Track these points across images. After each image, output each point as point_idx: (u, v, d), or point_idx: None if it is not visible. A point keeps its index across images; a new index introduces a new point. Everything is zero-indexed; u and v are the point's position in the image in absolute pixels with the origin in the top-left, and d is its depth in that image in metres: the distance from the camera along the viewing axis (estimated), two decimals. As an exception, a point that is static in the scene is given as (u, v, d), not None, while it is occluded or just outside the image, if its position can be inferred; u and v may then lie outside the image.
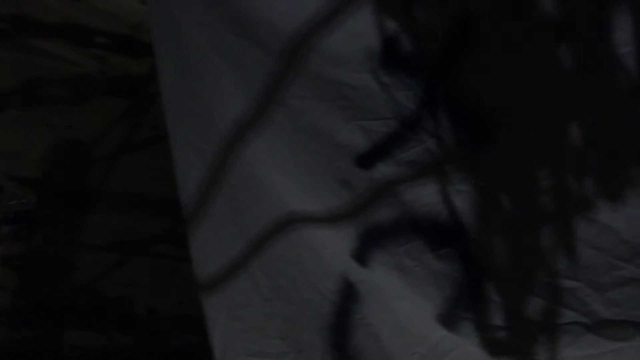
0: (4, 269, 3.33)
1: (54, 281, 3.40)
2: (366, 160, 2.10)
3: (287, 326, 2.15)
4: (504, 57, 1.96)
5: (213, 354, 2.22)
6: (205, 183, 2.30)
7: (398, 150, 2.07)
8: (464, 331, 2.00)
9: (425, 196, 2.04)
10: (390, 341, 2.05)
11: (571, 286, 1.91)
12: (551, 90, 1.92)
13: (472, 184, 2.00)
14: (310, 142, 2.16)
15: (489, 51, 1.97)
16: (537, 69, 1.93)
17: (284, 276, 2.16)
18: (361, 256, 2.10)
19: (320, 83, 2.14)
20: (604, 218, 1.87)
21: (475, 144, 2.00)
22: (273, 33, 2.17)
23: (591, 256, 1.89)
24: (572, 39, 1.89)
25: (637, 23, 1.84)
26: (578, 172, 1.91)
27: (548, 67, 1.92)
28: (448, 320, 2.02)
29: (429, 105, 2.04)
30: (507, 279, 1.97)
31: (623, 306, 1.89)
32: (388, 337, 2.05)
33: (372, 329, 2.06)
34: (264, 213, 2.20)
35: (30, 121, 3.26)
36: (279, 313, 2.16)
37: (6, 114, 3.20)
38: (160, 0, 2.39)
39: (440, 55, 2.04)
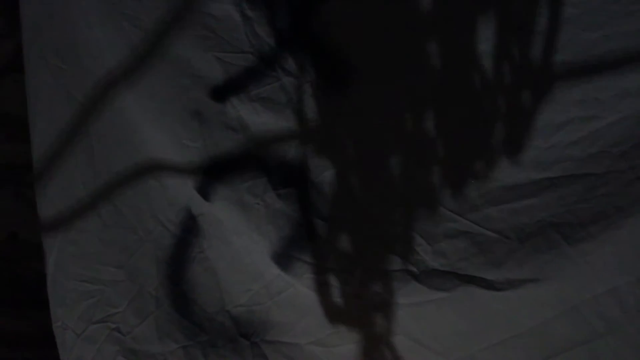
0: None
1: None
2: (220, 93, 2.06)
3: (124, 255, 2.11)
4: (373, 9, 1.94)
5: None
6: (56, 104, 2.21)
7: (253, 85, 2.04)
8: (296, 271, 2.02)
9: (274, 135, 2.02)
10: (225, 276, 2.04)
11: (404, 235, 1.93)
12: (409, 45, 1.92)
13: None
14: (167, 70, 2.09)
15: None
16: (396, 21, 1.93)
17: (127, 204, 2.11)
18: (205, 189, 2.06)
19: (183, 10, 2.07)
20: (444, 170, 1.90)
21: (331, 87, 1.99)
22: None
23: (427, 206, 1.91)
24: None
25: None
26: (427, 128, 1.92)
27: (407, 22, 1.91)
28: (282, 259, 2.02)
29: (290, 42, 2.01)
30: (343, 223, 1.98)
31: (450, 258, 1.94)
32: (224, 272, 2.05)
33: (209, 263, 2.05)
34: (113, 140, 2.12)
35: None
36: (117, 240, 2.11)
37: None
38: None
39: (306, -7, 2.01)
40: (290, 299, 2.02)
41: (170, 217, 2.07)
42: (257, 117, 2.03)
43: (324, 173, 1.99)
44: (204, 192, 2.07)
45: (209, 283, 2.05)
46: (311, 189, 2.00)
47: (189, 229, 2.06)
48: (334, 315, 2.01)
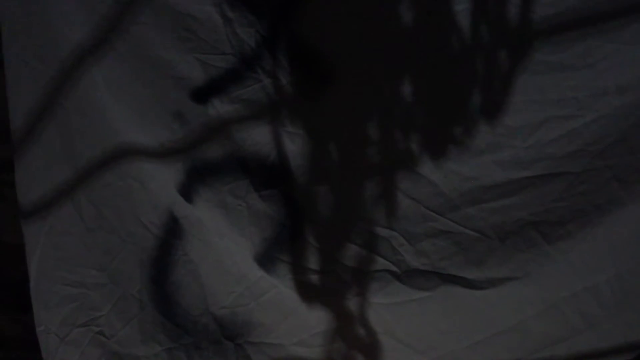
0: None
1: None
2: (201, 94, 2.06)
3: (107, 258, 2.10)
4: (347, 3, 1.96)
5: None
6: (37, 105, 2.20)
7: (234, 87, 2.04)
8: (279, 272, 2.03)
9: (256, 135, 2.02)
10: (209, 279, 2.05)
11: (386, 235, 1.95)
12: (388, 43, 1.93)
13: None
14: (148, 72, 2.09)
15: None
16: (377, 21, 1.94)
17: (109, 206, 2.10)
18: (187, 191, 2.07)
19: (164, 11, 2.07)
20: (423, 170, 1.91)
21: (310, 87, 2.00)
22: None
23: (407, 206, 1.93)
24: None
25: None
26: (405, 127, 1.94)
27: (388, 21, 1.93)
28: (265, 261, 2.03)
29: (270, 44, 2.02)
30: (325, 224, 1.99)
31: (432, 257, 1.96)
32: (207, 274, 2.05)
33: (193, 265, 2.05)
34: (95, 141, 2.13)
35: None
36: (100, 244, 2.10)
37: None
38: None
39: (285, -6, 2.02)
40: (273, 300, 2.03)
41: (152, 220, 2.07)
42: (239, 118, 2.03)
43: (305, 173, 2.00)
44: (186, 194, 2.07)
45: (193, 285, 2.05)
46: (293, 190, 2.00)
47: (172, 232, 2.07)
48: (317, 315, 2.03)
